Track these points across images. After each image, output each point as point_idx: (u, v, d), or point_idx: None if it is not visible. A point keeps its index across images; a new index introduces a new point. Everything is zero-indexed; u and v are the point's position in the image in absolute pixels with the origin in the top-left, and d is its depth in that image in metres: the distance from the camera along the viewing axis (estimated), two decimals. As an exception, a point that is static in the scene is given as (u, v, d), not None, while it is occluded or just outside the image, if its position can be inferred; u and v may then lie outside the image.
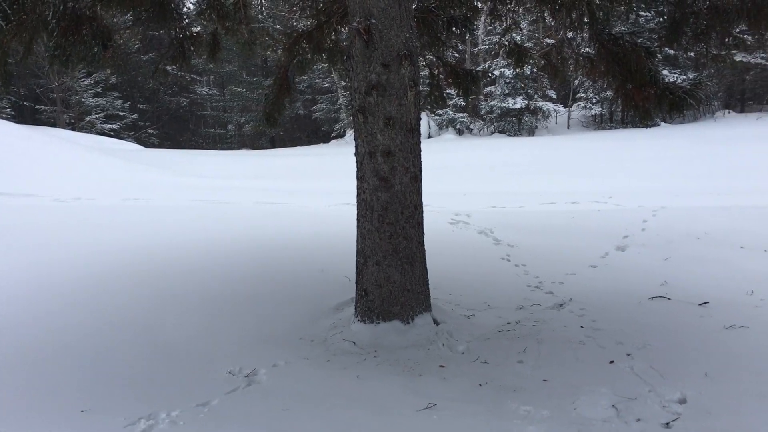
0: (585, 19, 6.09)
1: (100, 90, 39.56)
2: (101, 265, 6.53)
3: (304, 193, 13.48)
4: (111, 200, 11.54)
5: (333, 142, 38.15)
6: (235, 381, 4.03)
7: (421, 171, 4.90)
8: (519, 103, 31.54)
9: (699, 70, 29.77)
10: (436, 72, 6.84)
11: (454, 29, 7.30)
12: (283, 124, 51.71)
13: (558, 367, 4.12)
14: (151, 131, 48.25)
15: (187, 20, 6.49)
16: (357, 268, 5.02)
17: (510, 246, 7.77)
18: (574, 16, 6.23)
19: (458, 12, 7.53)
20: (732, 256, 6.86)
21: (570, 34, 6.92)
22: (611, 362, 4.15)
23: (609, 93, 32.22)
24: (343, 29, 7.74)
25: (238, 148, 49.55)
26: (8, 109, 36.89)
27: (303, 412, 3.55)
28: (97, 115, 38.65)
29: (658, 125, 31.68)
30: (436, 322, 5.00)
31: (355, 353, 4.56)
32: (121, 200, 11.62)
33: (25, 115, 39.28)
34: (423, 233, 5.00)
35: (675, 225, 8.28)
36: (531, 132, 32.89)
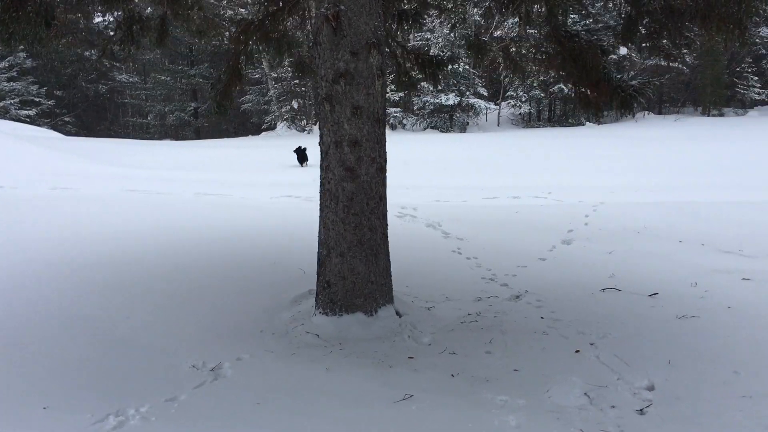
0: (539, 16, 6.22)
1: (15, 74, 37.48)
2: (41, 258, 6.19)
3: (241, 186, 13.20)
4: (37, 189, 10.95)
5: (263, 134, 37.52)
6: (201, 375, 3.89)
7: (386, 162, 4.86)
8: (452, 99, 31.95)
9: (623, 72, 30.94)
10: (401, 60, 6.81)
11: (404, 23, 7.32)
12: (209, 116, 50.75)
13: (526, 357, 4.18)
14: (67, 119, 46.42)
15: (136, 1, 6.21)
16: (319, 259, 4.94)
17: (459, 239, 7.84)
18: (525, 10, 6.35)
19: (409, 5, 7.56)
20: (672, 249, 7.16)
21: (528, 31, 7.03)
22: (577, 351, 4.24)
23: (538, 92, 33.19)
24: (293, 18, 7.61)
25: (161, 138, 48.03)
26: None
27: (278, 405, 3.46)
28: (12, 101, 36.63)
29: (583, 125, 32.84)
30: (398, 314, 4.98)
31: (319, 346, 4.49)
32: (49, 189, 11.04)
33: (-72, 98, 36.86)
34: (387, 225, 4.98)
35: (615, 220, 8.58)
36: (462, 128, 33.39)
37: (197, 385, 3.74)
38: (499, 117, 35.67)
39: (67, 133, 39.64)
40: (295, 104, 36.40)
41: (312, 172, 15.69)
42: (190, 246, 6.98)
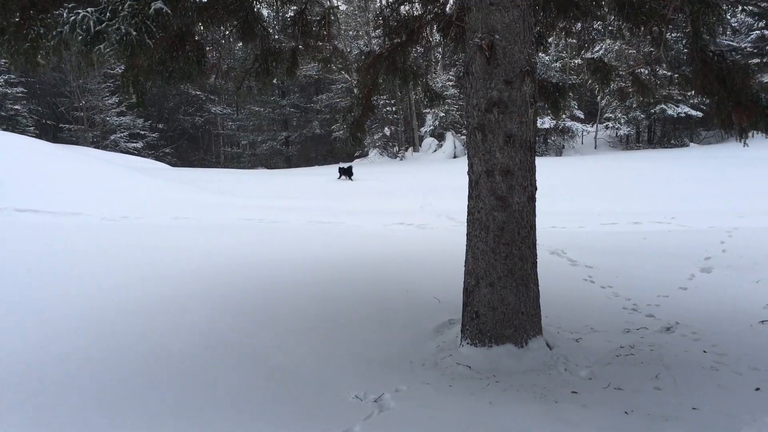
0: (680, 35, 6.03)
1: (123, 109, 39.88)
2: (183, 287, 6.46)
3: (347, 213, 13.44)
4: (160, 219, 11.54)
5: (356, 161, 38.17)
6: (366, 407, 3.92)
7: (536, 190, 4.80)
8: (547, 122, 31.50)
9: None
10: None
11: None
12: (296, 144, 52.20)
13: (701, 394, 3.97)
14: (167, 150, 48.64)
15: (275, 36, 6.47)
16: (466, 289, 4.91)
17: (588, 267, 7.64)
18: (659, 30, 6.18)
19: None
20: (828, 278, 6.70)
21: (654, 51, 6.86)
22: (757, 389, 4.00)
23: (638, 113, 32.19)
24: (418, 49, 7.74)
25: (253, 167, 49.67)
26: (32, 128, 37.23)
27: (453, 440, 3.42)
28: (121, 134, 38.91)
29: (687, 146, 31.55)
30: (549, 346, 4.87)
31: (474, 378, 4.44)
32: (171, 219, 11.61)
33: (47, 133, 39.65)
34: (536, 254, 4.89)
35: (755, 246, 8.12)
36: (558, 152, 32.79)
37: (366, 416, 3.76)
38: (596, 139, 34.82)
39: (169, 164, 41.68)
40: (387, 131, 36.89)
41: (416, 199, 15.80)
42: (320, 274, 7.12)
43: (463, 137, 33.86)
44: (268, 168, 45.60)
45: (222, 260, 7.73)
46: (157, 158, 43.17)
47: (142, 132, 41.96)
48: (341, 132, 43.81)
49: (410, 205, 14.89)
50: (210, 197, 16.13)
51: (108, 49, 3.54)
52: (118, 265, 7.21)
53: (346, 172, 24.41)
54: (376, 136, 37.34)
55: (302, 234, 10.05)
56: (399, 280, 6.89)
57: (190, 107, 53.30)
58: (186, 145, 54.60)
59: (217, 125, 55.26)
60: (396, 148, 37.67)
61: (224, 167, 47.77)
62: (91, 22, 3.67)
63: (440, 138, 36.27)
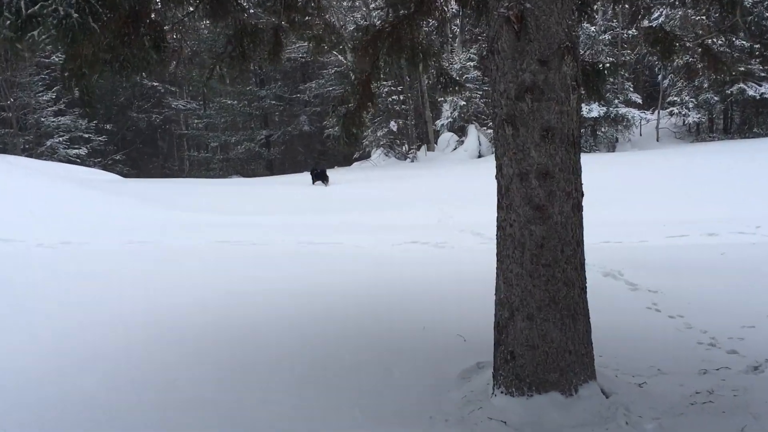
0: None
1: (63, 107, 40.18)
2: (140, 330, 6.54)
3: (348, 230, 13.51)
4: (111, 244, 11.64)
5: (356, 165, 38.36)
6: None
7: (582, 196, 4.83)
8: (595, 110, 31.50)
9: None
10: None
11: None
12: (279, 144, 52.41)
13: (799, 450, 3.97)
14: (117, 157, 48.85)
15: (251, 12, 6.57)
16: (498, 323, 4.93)
17: (652, 292, 7.66)
18: None
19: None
20: None
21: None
22: None
23: (711, 95, 32.15)
24: (430, 22, 7.82)
25: (226, 175, 49.85)
26: (-53, 134, 37.67)
27: None
28: (59, 138, 39.18)
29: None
30: (605, 393, 4.88)
31: (510, 436, 4.45)
32: (125, 243, 11.70)
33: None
34: (585, 277, 4.91)
35: None
36: (611, 146, 32.86)
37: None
38: (657, 129, 34.86)
39: (120, 174, 41.94)
40: (393, 126, 37.10)
41: (432, 210, 15.87)
42: (316, 308, 7.19)
43: (490, 131, 33.99)
44: (244, 176, 45.84)
45: (189, 294, 7.81)
46: (106, 167, 43.39)
47: (86, 135, 42.30)
48: (335, 128, 44.11)
49: (425, 218, 14.96)
50: (173, 215, 16.25)
51: (43, 37, 3.60)
52: (54, 307, 7.28)
53: (320, 176, 25.64)
54: (379, 133, 37.51)
55: (290, 259, 10.13)
56: (414, 314, 6.93)
57: (145, 102, 53.76)
58: (141, 149, 55.02)
59: (179, 124, 55.69)
60: (405, 147, 37.88)
61: (190, 176, 48.01)
62: (22, 3, 3.74)
63: (461, 133, 36.47)
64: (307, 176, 27.25)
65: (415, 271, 9.02)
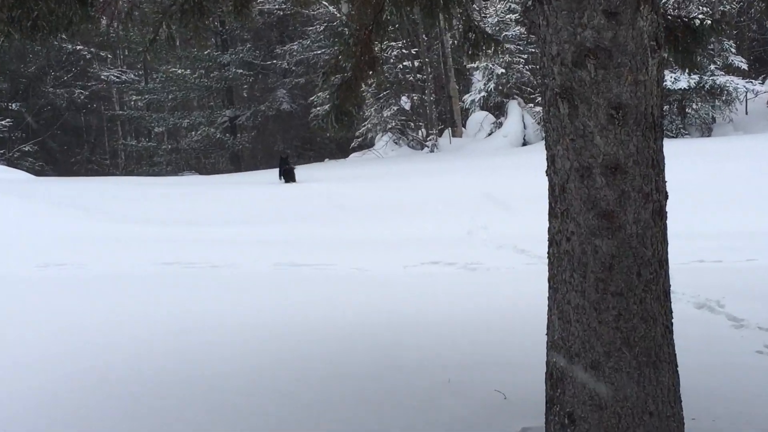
0: None
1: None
2: (48, 383, 6.60)
3: (341, 245, 13.54)
4: (14, 268, 11.71)
5: (354, 156, 38.42)
6: None
7: (666, 199, 4.84)
8: (683, 80, 31.34)
9: None
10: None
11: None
12: (249, 129, 52.11)
13: None
14: (26, 148, 48.88)
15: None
16: (551, 374, 4.94)
17: (763, 330, 7.67)
18: None
19: None
20: None
21: None
22: None
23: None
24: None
25: (176, 171, 49.87)
26: None
27: None
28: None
29: None
30: (701, 471, 4.89)
31: None
32: (37, 267, 11.77)
33: None
34: (671, 309, 4.92)
35: None
36: (705, 129, 32.79)
37: None
38: (770, 105, 34.84)
39: (31, 171, 41.97)
40: (405, 102, 37.15)
41: (460, 218, 15.89)
42: (299, 355, 7.19)
43: (538, 110, 33.99)
44: (201, 173, 45.94)
45: (122, 335, 7.87)
46: (11, 162, 43.57)
47: (-16, 117, 42.37)
48: (326, 106, 44.12)
49: (450, 229, 14.98)
50: (104, 227, 16.32)
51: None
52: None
53: (287, 174, 27.39)
54: (387, 113, 37.55)
55: (263, 287, 10.17)
56: (435, 362, 6.93)
57: (65, 73, 53.90)
58: (60, 137, 55.14)
59: (112, 102, 55.84)
60: (422, 132, 37.92)
61: (126, 173, 48.14)
62: None
63: (498, 111, 36.51)
64: (307, 171, 27.97)
65: (436, 302, 8.98)
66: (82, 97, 53.90)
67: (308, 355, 7.24)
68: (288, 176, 27.00)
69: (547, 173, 4.83)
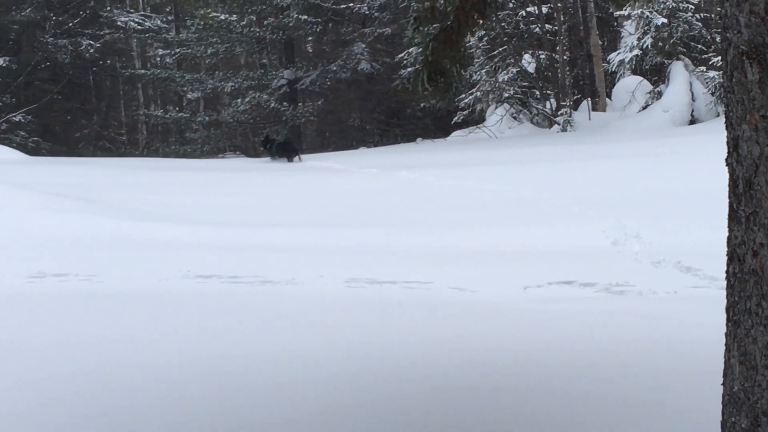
0: None
1: None
2: None
3: (442, 260, 13.51)
4: (4, 279, 11.82)
5: (457, 134, 38.43)
6: None
7: None
8: None
9: None
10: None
11: None
12: (314, 95, 51.62)
13: None
14: (18, 118, 49.39)
15: None
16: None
17: None
18: None
19: None
20: None
21: None
22: None
23: None
24: None
25: (216, 151, 49.94)
26: None
27: None
28: None
29: None
30: None
31: None
32: (30, 278, 11.89)
33: None
34: None
35: None
36: None
37: None
38: None
39: (24, 150, 42.46)
40: (528, 63, 37.04)
41: (600, 223, 15.81)
42: (386, 409, 7.20)
43: (713, 75, 33.65)
44: (249, 155, 46.13)
45: (145, 377, 7.88)
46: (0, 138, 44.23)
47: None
48: (414, 67, 43.99)
49: (588, 237, 14.87)
50: (120, 227, 16.46)
51: None
52: None
53: (285, 149, 28.53)
54: (503, 76, 37.50)
55: (337, 312, 10.13)
56: (569, 418, 6.91)
57: (70, 17, 54.47)
58: (62, 104, 55.75)
59: (131, 57, 56.35)
60: (551, 104, 37.76)
61: (149, 153, 48.51)
62: None
63: (656, 77, 36.18)
64: (392, 154, 27.79)
65: (569, 338, 8.93)
66: (92, 51, 54.30)
67: (404, 410, 7.23)
68: (286, 151, 28.02)
69: (727, 162, 4.78)
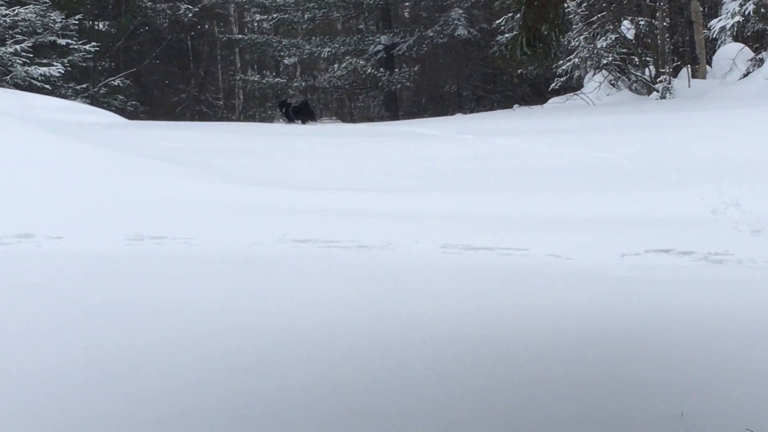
0: None
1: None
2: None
3: (538, 226, 13.44)
4: (102, 240, 11.91)
5: (553, 102, 38.22)
6: None
7: None
8: None
9: None
10: None
11: None
12: (411, 60, 51.73)
13: None
14: (116, 82, 49.59)
15: None
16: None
17: None
18: None
19: None
20: None
21: None
22: None
23: None
24: None
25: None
26: None
27: None
28: (16, 46, 40.41)
29: None
30: None
31: None
32: (124, 241, 11.96)
33: None
34: None
35: None
36: None
37: None
38: None
39: (122, 113, 42.65)
40: (627, 30, 36.71)
41: (699, 191, 15.66)
42: (474, 376, 7.18)
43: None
44: (345, 120, 46.29)
45: (259, 340, 7.93)
46: (97, 100, 44.63)
47: (63, 41, 43.32)
48: (512, 32, 43.75)
49: (687, 205, 14.71)
50: (217, 190, 16.53)
51: None
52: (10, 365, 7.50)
53: (300, 112, 29.76)
54: (601, 43, 37.23)
55: (432, 281, 10.12)
56: (664, 388, 6.85)
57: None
58: (159, 68, 56.24)
59: (229, 22, 56.68)
60: (650, 71, 37.41)
61: (245, 118, 48.80)
62: None
63: (758, 45, 35.69)
64: (489, 119, 27.66)
65: (665, 306, 8.88)
66: (190, 15, 54.75)
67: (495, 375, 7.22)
68: (302, 114, 28.30)
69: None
